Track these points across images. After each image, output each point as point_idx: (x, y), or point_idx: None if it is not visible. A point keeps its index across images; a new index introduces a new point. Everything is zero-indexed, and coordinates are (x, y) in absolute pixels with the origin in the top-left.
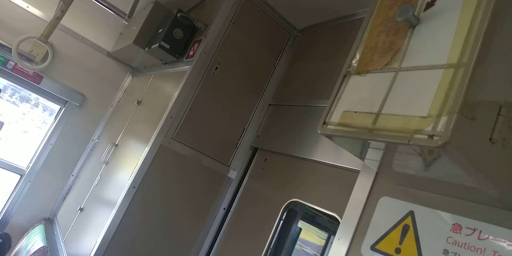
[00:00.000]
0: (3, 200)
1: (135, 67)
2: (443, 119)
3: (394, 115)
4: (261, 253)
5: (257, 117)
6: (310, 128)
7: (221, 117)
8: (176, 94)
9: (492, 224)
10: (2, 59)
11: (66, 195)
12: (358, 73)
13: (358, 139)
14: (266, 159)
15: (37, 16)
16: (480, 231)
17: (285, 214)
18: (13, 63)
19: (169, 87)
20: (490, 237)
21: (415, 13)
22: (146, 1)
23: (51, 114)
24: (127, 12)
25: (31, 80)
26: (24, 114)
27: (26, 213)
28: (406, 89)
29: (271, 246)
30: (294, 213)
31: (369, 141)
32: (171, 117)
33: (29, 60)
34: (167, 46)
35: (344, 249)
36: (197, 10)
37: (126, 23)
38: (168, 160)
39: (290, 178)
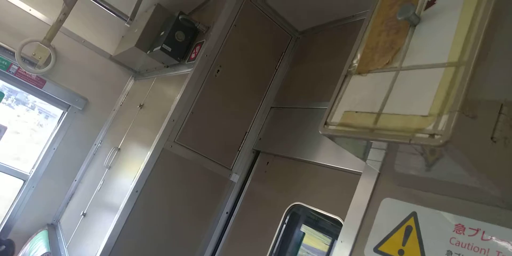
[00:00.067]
0: (7, 206)
1: (138, 70)
2: (444, 118)
3: (395, 114)
4: None
5: (259, 120)
6: (312, 130)
7: (223, 120)
8: (178, 97)
9: (495, 224)
10: (5, 63)
11: (69, 200)
12: (359, 73)
13: (359, 139)
14: (268, 162)
15: (39, 20)
16: (484, 232)
17: (288, 217)
18: (16, 67)
19: (171, 90)
20: (494, 238)
21: (416, 12)
22: (148, 4)
23: (46, 116)
24: (129, 15)
25: (34, 84)
26: (18, 116)
27: (29, 219)
28: (407, 88)
29: (274, 251)
30: (297, 216)
31: (370, 141)
32: (173, 120)
33: (32, 63)
34: (169, 49)
35: (347, 252)
36: (198, 13)
37: (128, 26)
38: (170, 164)
39: (292, 181)
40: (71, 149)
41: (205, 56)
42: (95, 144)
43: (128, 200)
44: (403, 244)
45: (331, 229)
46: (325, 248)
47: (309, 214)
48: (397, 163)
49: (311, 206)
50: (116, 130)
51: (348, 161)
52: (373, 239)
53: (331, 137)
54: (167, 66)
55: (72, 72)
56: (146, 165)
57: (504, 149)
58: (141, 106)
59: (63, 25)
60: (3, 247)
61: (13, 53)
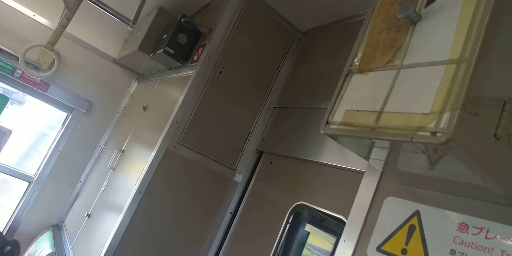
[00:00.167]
0: (12, 207)
1: (141, 73)
2: (446, 116)
3: (396, 112)
4: None
5: (262, 120)
6: (315, 130)
7: (226, 120)
8: (181, 98)
9: (499, 222)
10: (10, 68)
11: (74, 201)
12: (360, 71)
13: (360, 138)
14: (271, 162)
15: (43, 25)
16: (488, 230)
17: (291, 217)
18: (20, 72)
19: (174, 92)
20: (498, 236)
21: (416, 10)
22: (150, 7)
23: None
24: (132, 19)
25: (39, 88)
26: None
27: (34, 220)
28: (408, 86)
29: (278, 250)
30: (301, 216)
31: (372, 140)
32: (176, 122)
33: (36, 68)
34: (172, 51)
35: (350, 251)
36: (201, 15)
37: (131, 29)
38: (174, 164)
39: (296, 181)
40: (76, 151)
41: (208, 57)
42: (99, 146)
43: (132, 200)
44: (406, 243)
45: (336, 228)
46: (329, 248)
47: (313, 214)
48: (400, 162)
49: (315, 205)
50: (120, 132)
51: (351, 161)
52: (376, 238)
53: (333, 136)
54: (170, 68)
55: (76, 75)
56: (149, 166)
57: (507, 146)
58: (144, 108)
59: (66, 29)
60: (9, 247)
61: (18, 58)
